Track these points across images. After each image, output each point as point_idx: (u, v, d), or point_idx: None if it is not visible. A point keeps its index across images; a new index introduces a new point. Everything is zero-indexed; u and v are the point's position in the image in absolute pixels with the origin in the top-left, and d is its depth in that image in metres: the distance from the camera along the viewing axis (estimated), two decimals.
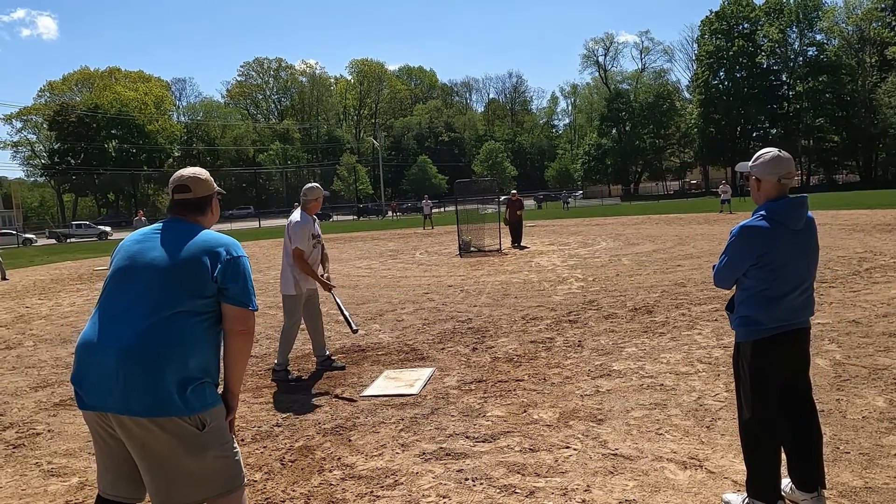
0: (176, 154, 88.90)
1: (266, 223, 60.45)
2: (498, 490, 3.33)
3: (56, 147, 79.51)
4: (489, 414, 4.52)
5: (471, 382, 5.33)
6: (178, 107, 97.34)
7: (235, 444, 2.50)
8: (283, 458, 3.97)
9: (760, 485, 2.90)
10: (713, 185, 74.44)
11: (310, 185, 6.17)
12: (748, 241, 2.89)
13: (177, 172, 2.66)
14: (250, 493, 3.50)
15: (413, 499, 3.30)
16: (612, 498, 3.18)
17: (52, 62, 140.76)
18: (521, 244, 18.52)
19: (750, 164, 2.98)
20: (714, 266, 3.08)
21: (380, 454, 3.93)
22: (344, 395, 5.22)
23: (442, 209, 66.81)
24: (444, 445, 3.99)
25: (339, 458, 3.90)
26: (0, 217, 66.99)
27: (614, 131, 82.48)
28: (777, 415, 2.90)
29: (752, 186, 2.97)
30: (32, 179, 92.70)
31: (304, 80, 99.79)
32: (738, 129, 71.79)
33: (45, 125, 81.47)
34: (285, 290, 6.04)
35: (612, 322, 7.36)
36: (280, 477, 3.69)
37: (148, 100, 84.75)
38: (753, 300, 2.93)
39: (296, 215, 6.03)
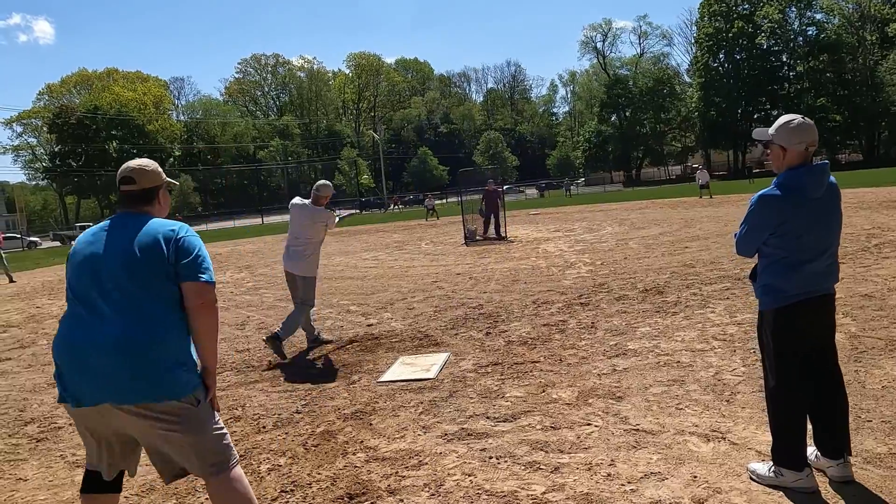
0: (177, 153, 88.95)
1: (269, 219, 60.48)
2: (523, 467, 3.35)
3: (57, 150, 79.55)
4: (508, 395, 4.54)
5: (487, 365, 5.35)
6: (178, 106, 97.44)
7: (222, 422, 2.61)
8: (306, 442, 3.99)
9: (787, 452, 2.91)
10: (715, 168, 74.34)
11: (323, 181, 6.60)
12: (766, 210, 2.88)
13: (123, 165, 2.65)
14: (276, 476, 3.52)
15: (438, 478, 3.32)
16: (637, 471, 3.19)
17: (50, 65, 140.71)
18: (504, 234, 17.76)
19: (772, 130, 2.95)
20: (735, 234, 3.07)
21: (402, 436, 3.95)
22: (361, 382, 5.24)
23: (444, 201, 66.85)
24: (465, 426, 4.01)
25: (362, 442, 3.92)
26: (4, 221, 67.18)
27: (614, 118, 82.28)
28: (802, 382, 2.90)
29: (775, 155, 2.94)
30: (35, 183, 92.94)
31: (302, 75, 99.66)
32: (739, 111, 71.43)
33: (44, 128, 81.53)
34: (308, 272, 6.43)
35: (623, 304, 7.37)
36: (304, 461, 3.71)
37: (147, 100, 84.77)
38: (775, 268, 2.93)
39: (309, 204, 6.46)
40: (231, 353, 6.73)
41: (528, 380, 4.84)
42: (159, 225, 2.50)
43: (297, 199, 6.67)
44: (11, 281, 18.14)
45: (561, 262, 11.42)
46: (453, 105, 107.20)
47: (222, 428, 2.56)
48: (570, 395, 4.42)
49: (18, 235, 49.32)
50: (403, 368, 5.50)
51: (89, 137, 77.00)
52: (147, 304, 2.38)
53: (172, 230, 2.49)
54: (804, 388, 2.90)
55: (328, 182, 6.58)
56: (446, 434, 3.91)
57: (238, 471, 2.56)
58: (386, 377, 5.28)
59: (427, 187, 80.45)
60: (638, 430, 3.71)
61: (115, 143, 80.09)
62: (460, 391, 4.73)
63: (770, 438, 3.05)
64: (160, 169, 2.68)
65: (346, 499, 3.18)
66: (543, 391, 4.54)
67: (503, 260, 12.75)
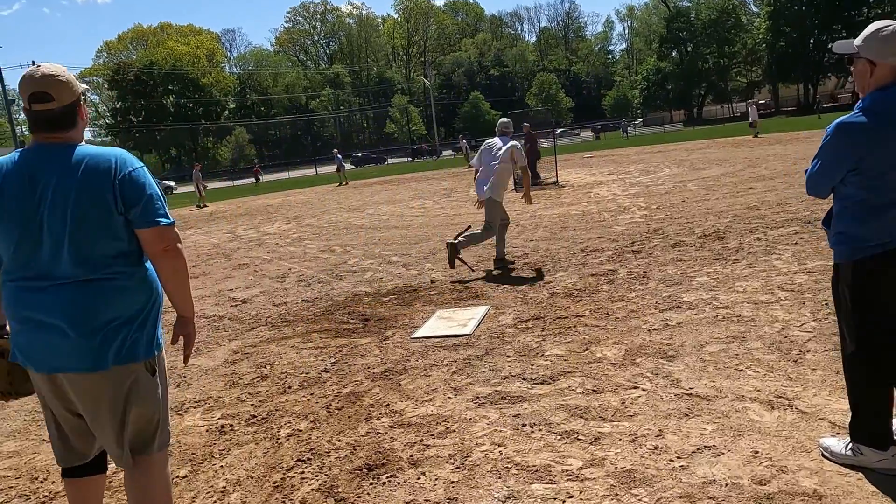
0: (231, 106, 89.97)
1: (322, 170, 60.81)
2: (558, 437, 3.02)
3: (118, 106, 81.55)
4: (547, 353, 4.19)
5: (527, 320, 5.00)
6: (230, 58, 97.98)
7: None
8: (330, 405, 3.77)
9: (867, 428, 2.48)
10: (784, 104, 70.24)
11: (505, 118, 7.65)
12: (845, 141, 2.38)
13: (26, 73, 2.11)
14: (294, 443, 3.31)
15: (465, 447, 3.03)
16: (689, 444, 2.82)
17: (108, 22, 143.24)
18: (555, 180, 17.22)
19: (858, 42, 2.41)
20: (806, 171, 2.58)
21: (430, 399, 3.68)
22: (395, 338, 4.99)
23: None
24: (499, 388, 3.70)
25: (388, 405, 3.66)
26: None
27: (675, 53, 78.26)
28: (887, 348, 2.44)
29: (861, 72, 2.40)
30: (100, 139, 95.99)
31: (351, 21, 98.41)
32: (811, 41, 66.59)
33: (105, 85, 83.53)
34: (497, 195, 7.10)
35: (679, 251, 6.84)
36: (326, 426, 3.49)
37: (200, 53, 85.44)
38: (853, 212, 2.43)
39: (501, 141, 7.17)
40: (268, 306, 6.59)
41: (571, 336, 4.48)
42: (93, 160, 2.07)
43: (489, 140, 7.47)
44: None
45: (613, 207, 10.84)
46: (505, 46, 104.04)
47: (167, 402, 2.34)
48: (616, 353, 4.04)
49: None
50: (440, 323, 5.21)
51: (147, 93, 78.45)
52: (100, 263, 2.09)
53: (110, 165, 2.08)
54: (888, 354, 2.44)
55: (508, 119, 7.66)
56: (478, 397, 3.61)
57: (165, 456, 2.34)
58: (420, 333, 5.01)
59: (479, 133, 79.18)
60: (691, 394, 3.32)
61: (171, 98, 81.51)
62: (497, 349, 4.41)
63: (847, 408, 2.63)
64: (73, 76, 2.20)
65: (364, 470, 2.93)
66: (587, 349, 4.17)
67: (552, 206, 12.24)
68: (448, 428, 3.27)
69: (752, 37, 71.97)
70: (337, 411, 3.67)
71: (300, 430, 3.46)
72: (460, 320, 5.21)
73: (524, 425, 3.19)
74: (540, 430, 3.12)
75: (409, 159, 65.41)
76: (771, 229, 7.33)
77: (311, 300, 6.65)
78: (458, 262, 7.05)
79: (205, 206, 25.42)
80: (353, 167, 62.62)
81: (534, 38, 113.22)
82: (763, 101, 77.88)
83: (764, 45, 68.66)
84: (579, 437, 2.99)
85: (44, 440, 3.77)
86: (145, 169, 2.21)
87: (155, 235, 2.14)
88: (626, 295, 5.36)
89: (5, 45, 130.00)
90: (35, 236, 2.07)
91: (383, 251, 9.25)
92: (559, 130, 23.77)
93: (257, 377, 4.43)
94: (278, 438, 3.40)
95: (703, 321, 4.45)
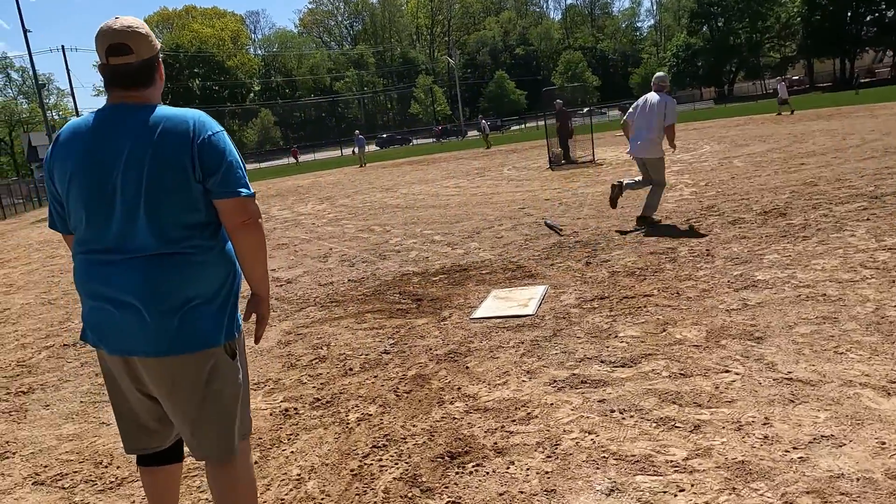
0: (256, 88, 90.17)
1: (347, 151, 60.65)
2: (654, 424, 2.81)
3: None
4: (622, 334, 3.97)
5: (592, 300, 4.77)
6: (254, 40, 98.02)
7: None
8: (397, 388, 3.60)
9: None
10: (818, 79, 68.24)
11: (660, 73, 7.60)
12: None
13: (103, 25, 1.92)
14: (366, 428, 3.14)
15: (553, 435, 2.84)
16: (802, 433, 2.59)
17: (134, 6, 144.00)
18: (576, 158, 16.77)
19: None
20: None
21: (504, 382, 3.48)
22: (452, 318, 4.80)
23: (523, 126, 64.88)
24: (576, 371, 3.49)
25: (459, 388, 3.48)
26: None
27: (705, 28, 76.32)
28: None
29: None
30: None
31: (374, 1, 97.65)
32: (849, 13, 64.51)
33: None
34: (657, 154, 7.27)
35: (740, 228, 6.54)
36: (397, 410, 3.31)
37: (224, 35, 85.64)
38: None
39: (658, 97, 7.20)
40: (314, 286, 6.45)
41: (643, 316, 4.24)
42: (171, 122, 1.89)
43: (644, 96, 7.47)
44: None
45: None
46: (530, 24, 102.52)
47: (247, 389, 2.17)
48: (697, 334, 3.80)
49: None
50: (498, 303, 5.01)
51: (173, 76, 78.85)
52: (178, 238, 1.91)
53: (189, 128, 1.89)
54: None
55: (663, 73, 7.64)
56: (555, 381, 3.41)
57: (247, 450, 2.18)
58: (479, 313, 4.81)
59: (504, 112, 78.34)
60: (791, 379, 3.07)
61: (197, 81, 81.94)
62: (565, 329, 4.20)
63: None
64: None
65: (446, 458, 2.75)
66: (664, 330, 3.94)
67: (593, 184, 11.92)
68: (529, 413, 3.07)
69: (787, 10, 69.87)
70: (406, 395, 3.49)
71: (370, 415, 3.29)
72: (519, 300, 5.00)
73: (612, 411, 2.98)
74: (631, 416, 2.91)
75: (435, 140, 64.98)
76: (836, 205, 6.98)
77: (357, 280, 6.49)
78: (549, 227, 7.62)
79: None
80: (377, 149, 62.50)
81: (559, 16, 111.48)
82: (797, 77, 75.80)
83: (798, 19, 66.65)
84: (677, 424, 2.77)
85: (103, 423, 3.66)
86: (225, 134, 2.02)
87: (235, 207, 1.95)
88: (693, 274, 5.10)
89: (34, 31, 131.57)
90: (107, 205, 1.89)
91: (424, 230, 9.05)
92: (585, 109, 23.21)
93: (315, 359, 4.28)
94: (348, 423, 3.24)
95: (785, 301, 4.18)
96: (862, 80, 55.59)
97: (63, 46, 48.22)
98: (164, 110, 1.95)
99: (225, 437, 2.06)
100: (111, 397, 2.12)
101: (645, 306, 4.45)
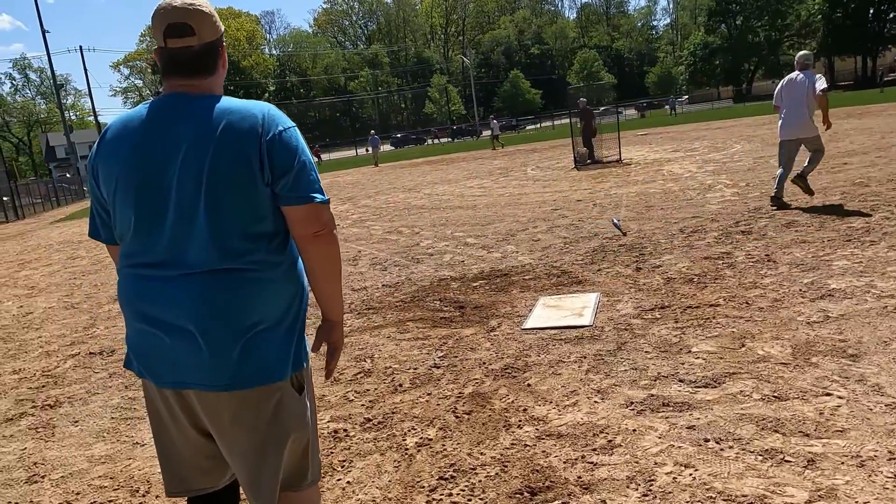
0: (271, 88, 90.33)
1: (362, 151, 60.48)
2: (759, 457, 2.49)
3: (161, 90, 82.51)
4: (695, 349, 3.64)
5: (651, 309, 4.45)
6: (269, 40, 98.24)
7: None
8: (455, 408, 3.30)
9: None
10: (840, 77, 67.17)
11: (806, 52, 7.60)
12: None
13: (162, 2, 1.67)
14: (428, 455, 2.85)
15: (644, 468, 2.52)
16: None
17: (151, 6, 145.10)
18: (601, 157, 16.38)
19: None
20: None
21: (573, 403, 3.18)
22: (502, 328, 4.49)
23: (538, 126, 64.41)
24: (653, 392, 3.18)
25: (525, 410, 3.18)
26: None
27: (723, 27, 75.45)
28: None
29: None
30: None
31: (388, 1, 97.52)
32: (871, 11, 63.49)
33: (149, 69, 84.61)
34: (813, 132, 7.37)
35: (796, 231, 6.18)
36: (459, 434, 3.01)
37: (240, 35, 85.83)
38: None
39: (803, 74, 7.26)
40: (348, 291, 6.17)
41: (714, 329, 3.92)
42: (237, 115, 1.61)
43: (788, 76, 7.56)
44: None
45: (696, 185, 10.13)
46: (545, 23, 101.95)
47: (315, 427, 1.87)
48: (782, 350, 3.47)
49: None
50: (549, 312, 4.70)
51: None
52: (241, 251, 1.61)
53: (257, 123, 1.61)
54: None
55: (808, 51, 7.64)
56: (632, 402, 3.10)
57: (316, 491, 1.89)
58: (530, 323, 4.50)
59: (519, 112, 77.89)
60: None
61: None
62: (629, 343, 3.88)
63: None
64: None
65: (526, 494, 2.45)
66: (742, 345, 3.61)
67: (625, 184, 11.56)
68: (610, 441, 2.77)
69: (807, 7, 68.87)
70: (466, 416, 3.20)
71: (430, 439, 3.00)
72: (572, 309, 4.69)
73: (706, 440, 2.66)
74: (730, 446, 2.59)
75: (449, 139, 64.66)
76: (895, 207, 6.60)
77: (392, 285, 6.20)
78: (625, 227, 7.40)
79: None
80: (392, 148, 62.29)
81: (574, 15, 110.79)
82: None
83: (819, 17, 65.67)
84: (787, 459, 2.45)
85: (137, 443, 3.40)
86: (297, 130, 1.72)
87: (307, 215, 1.66)
88: (758, 281, 4.76)
89: (52, 32, 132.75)
90: (159, 211, 1.61)
91: (455, 232, 8.76)
92: (601, 108, 22.94)
93: (359, 372, 3.99)
94: (406, 448, 2.94)
95: (871, 312, 3.84)
96: (885, 79, 54.59)
97: (81, 47, 48.42)
98: (228, 102, 1.66)
99: (291, 481, 1.77)
100: (156, 433, 1.81)
101: (713, 317, 4.12)
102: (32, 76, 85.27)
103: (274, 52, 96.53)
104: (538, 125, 66.32)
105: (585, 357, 3.76)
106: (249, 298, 1.63)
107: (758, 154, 13.46)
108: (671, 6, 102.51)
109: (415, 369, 3.93)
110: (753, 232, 6.39)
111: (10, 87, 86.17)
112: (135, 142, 1.63)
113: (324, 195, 1.69)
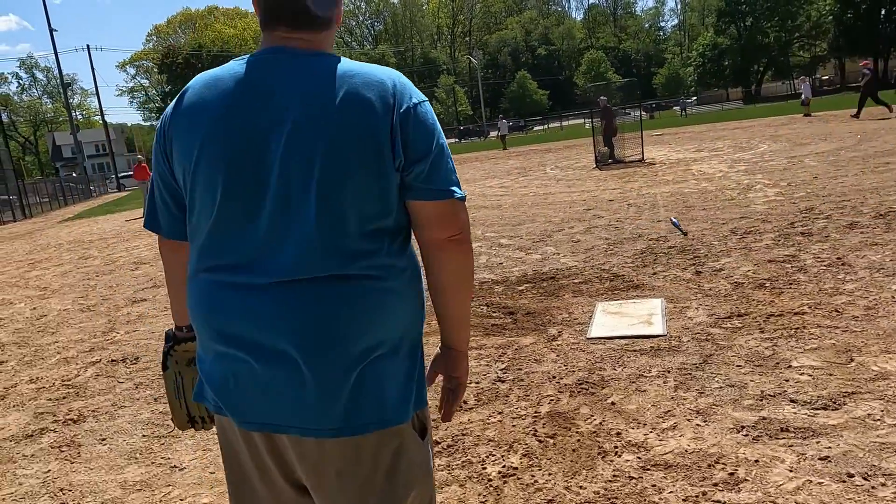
0: None
1: None
2: None
3: (167, 90, 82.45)
4: (795, 363, 3.26)
5: (728, 317, 4.07)
6: None
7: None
8: (535, 430, 2.92)
9: None
10: (850, 79, 66.59)
11: None
12: None
13: None
14: (517, 488, 2.47)
15: None
16: None
17: (157, 6, 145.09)
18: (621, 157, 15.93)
19: None
20: None
21: (673, 427, 2.80)
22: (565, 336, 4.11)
23: (546, 127, 64.05)
24: (763, 414, 2.79)
25: (619, 433, 2.80)
26: (125, 160, 70.99)
27: (732, 28, 74.94)
28: None
29: None
30: (149, 123, 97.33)
31: (395, 1, 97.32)
32: (883, 11, 62.93)
33: (155, 69, 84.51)
34: None
35: (861, 233, 5.79)
36: (548, 462, 2.64)
37: (247, 35, 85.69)
38: None
39: None
40: None
41: (810, 340, 3.53)
42: (361, 80, 1.23)
43: None
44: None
45: (733, 185, 9.72)
46: (552, 24, 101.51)
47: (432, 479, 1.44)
48: None
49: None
50: (612, 320, 4.32)
51: (195, 76, 79.03)
52: (360, 252, 1.24)
53: (387, 92, 1.23)
54: None
55: None
56: (742, 426, 2.71)
57: None
58: (595, 332, 4.12)
59: (527, 112, 77.47)
60: None
61: None
62: (715, 355, 3.50)
63: None
64: None
65: None
66: (850, 360, 3.23)
67: (655, 184, 11.17)
68: (731, 474, 2.38)
69: (818, 9, 68.36)
70: (550, 440, 2.82)
71: (515, 468, 2.62)
72: (637, 316, 4.31)
73: (851, 475, 2.28)
74: (883, 485, 2.21)
75: (457, 140, 64.29)
76: None
77: None
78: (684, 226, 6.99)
79: None
80: None
81: (581, 16, 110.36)
82: (826, 77, 74.03)
83: (830, 18, 65.17)
84: None
85: (174, 466, 3.03)
86: (430, 105, 1.34)
87: (444, 213, 1.29)
88: (839, 287, 4.37)
89: (58, 31, 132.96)
90: (254, 198, 1.22)
91: (486, 233, 8.38)
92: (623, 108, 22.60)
93: None
94: (490, 479, 2.57)
95: None
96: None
97: (88, 46, 48.27)
98: (349, 64, 1.28)
99: None
100: (235, 486, 1.41)
101: (804, 327, 3.73)
102: (39, 75, 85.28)
103: None
104: (546, 126, 65.92)
105: (669, 371, 3.38)
106: (368, 314, 1.25)
107: (789, 154, 13.05)
108: (679, 7, 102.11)
109: (477, 383, 3.55)
110: (814, 233, 6.00)
111: (17, 87, 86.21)
112: (226, 108, 1.25)
113: (462, 190, 1.32)
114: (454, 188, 1.29)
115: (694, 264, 5.47)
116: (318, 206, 1.21)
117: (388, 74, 1.28)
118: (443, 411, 1.47)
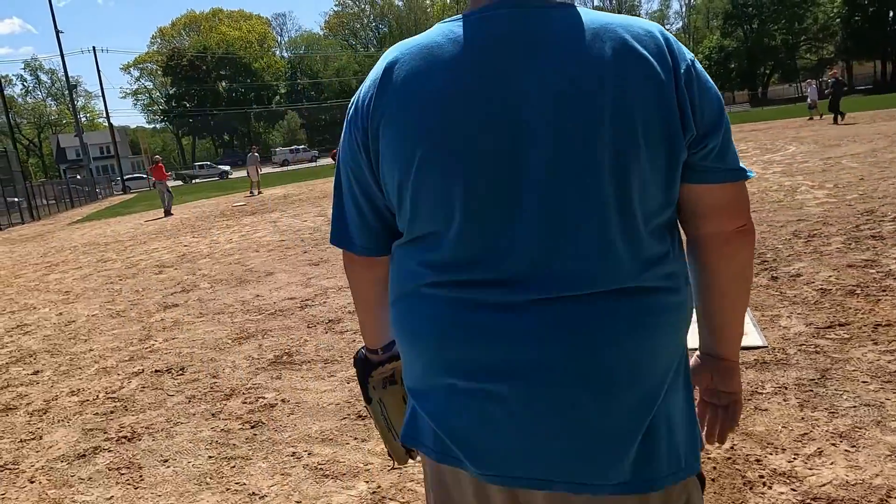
0: (282, 90, 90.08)
1: None
2: None
3: (171, 92, 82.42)
4: None
5: (828, 327, 3.77)
6: (281, 43, 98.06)
7: None
8: None
9: None
10: (857, 82, 66.36)
11: None
12: None
13: None
14: None
15: None
16: None
17: (162, 9, 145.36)
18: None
19: None
20: None
21: (818, 453, 2.50)
22: None
23: None
24: None
25: (758, 459, 2.50)
26: (129, 162, 70.85)
27: (739, 30, 74.77)
28: None
29: None
30: (153, 126, 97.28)
31: (400, 4, 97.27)
32: (891, 13, 62.70)
33: (159, 71, 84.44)
34: None
35: None
36: None
37: (251, 38, 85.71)
38: None
39: None
40: None
41: None
42: (629, 31, 0.96)
43: None
44: (168, 214, 18.89)
45: (775, 186, 9.43)
46: None
47: None
48: None
49: (144, 175, 51.32)
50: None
51: (200, 78, 79.01)
52: (647, 244, 0.96)
53: (660, 45, 0.96)
54: None
55: None
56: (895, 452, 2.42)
57: None
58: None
59: None
60: None
61: (223, 83, 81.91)
62: (833, 370, 3.20)
63: None
64: None
65: None
66: None
67: None
68: None
69: (825, 11, 68.16)
70: None
71: None
72: None
73: None
74: None
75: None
76: None
77: None
78: None
79: (259, 192, 23.35)
80: None
81: None
82: (809, 80, 73.80)
83: (838, 20, 65.00)
84: None
85: (254, 493, 2.73)
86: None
87: (736, 198, 1.05)
88: None
89: (63, 34, 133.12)
90: (505, 192, 0.95)
91: None
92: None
93: None
94: None
95: None
96: None
97: (94, 48, 48.12)
98: (597, 14, 0.98)
99: None
100: None
101: None
102: (43, 77, 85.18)
103: (285, 54, 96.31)
104: None
105: (786, 387, 3.08)
106: (668, 338, 0.98)
107: (822, 155, 12.76)
108: (683, 10, 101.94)
109: None
110: (885, 237, 5.70)
111: (21, 89, 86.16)
112: (454, 80, 0.96)
113: (749, 170, 1.05)
114: (743, 167, 1.03)
115: (766, 269, 5.18)
116: (603, 201, 0.93)
117: (650, 24, 0.99)
118: (715, 433, 1.17)
